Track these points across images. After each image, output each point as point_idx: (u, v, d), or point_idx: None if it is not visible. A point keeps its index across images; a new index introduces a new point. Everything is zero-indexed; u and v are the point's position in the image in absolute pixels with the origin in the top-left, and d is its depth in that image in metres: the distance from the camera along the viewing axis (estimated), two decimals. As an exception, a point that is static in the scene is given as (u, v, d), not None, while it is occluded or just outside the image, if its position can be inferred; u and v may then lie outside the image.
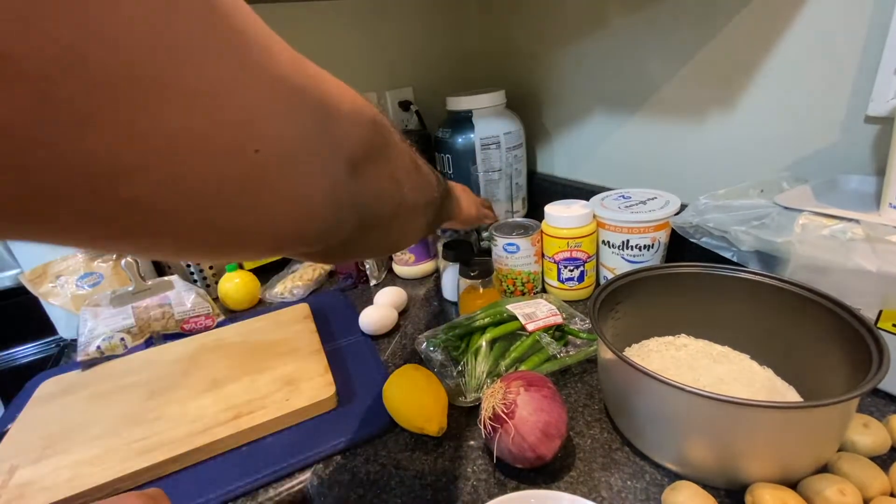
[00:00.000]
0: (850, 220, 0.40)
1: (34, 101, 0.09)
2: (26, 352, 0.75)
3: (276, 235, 0.18)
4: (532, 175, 0.92)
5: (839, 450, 0.35)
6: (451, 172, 0.84)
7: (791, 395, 0.41)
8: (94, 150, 0.10)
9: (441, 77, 1.01)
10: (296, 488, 0.41)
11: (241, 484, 0.40)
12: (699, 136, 0.64)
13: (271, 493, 0.40)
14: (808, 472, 0.33)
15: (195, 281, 0.75)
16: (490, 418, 0.38)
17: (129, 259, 0.64)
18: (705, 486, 0.34)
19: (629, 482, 0.37)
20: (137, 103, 0.11)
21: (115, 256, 0.67)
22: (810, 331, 0.40)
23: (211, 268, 0.76)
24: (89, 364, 0.58)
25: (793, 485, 0.33)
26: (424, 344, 0.53)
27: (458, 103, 0.79)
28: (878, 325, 0.39)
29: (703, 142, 0.63)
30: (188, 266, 0.74)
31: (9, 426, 0.50)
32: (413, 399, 0.44)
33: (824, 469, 0.34)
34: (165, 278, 0.67)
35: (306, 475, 0.41)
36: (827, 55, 0.49)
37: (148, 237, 0.14)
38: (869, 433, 0.35)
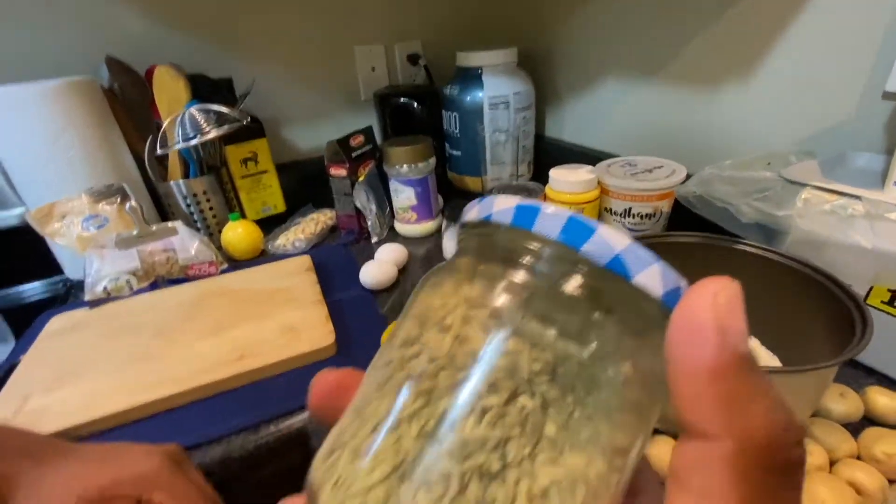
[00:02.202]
0: (852, 196, 0.40)
1: None
2: (33, 290, 0.77)
3: None
4: (539, 139, 0.91)
5: (814, 415, 0.37)
6: (457, 132, 0.83)
7: (773, 363, 0.42)
8: None
9: (452, 31, 0.98)
10: (295, 426, 0.43)
11: (244, 419, 0.43)
12: (712, 106, 0.62)
13: (272, 429, 0.42)
14: (781, 434, 0.35)
15: (198, 229, 0.75)
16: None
17: (133, 203, 0.65)
18: (682, 442, 0.36)
19: (611, 435, 0.39)
20: None
21: (119, 199, 0.67)
22: (800, 303, 0.41)
23: (214, 216, 0.76)
24: (96, 303, 0.60)
25: (765, 444, 0.34)
26: (423, 299, 0.54)
27: (469, 59, 0.77)
28: (867, 301, 0.40)
29: (716, 112, 0.62)
30: (191, 213, 0.74)
31: (20, 357, 0.52)
32: (410, 350, 0.45)
33: (797, 432, 0.36)
34: (169, 224, 0.68)
35: (306, 414, 0.44)
36: (851, 27, 0.47)
37: None
38: (844, 402, 0.37)
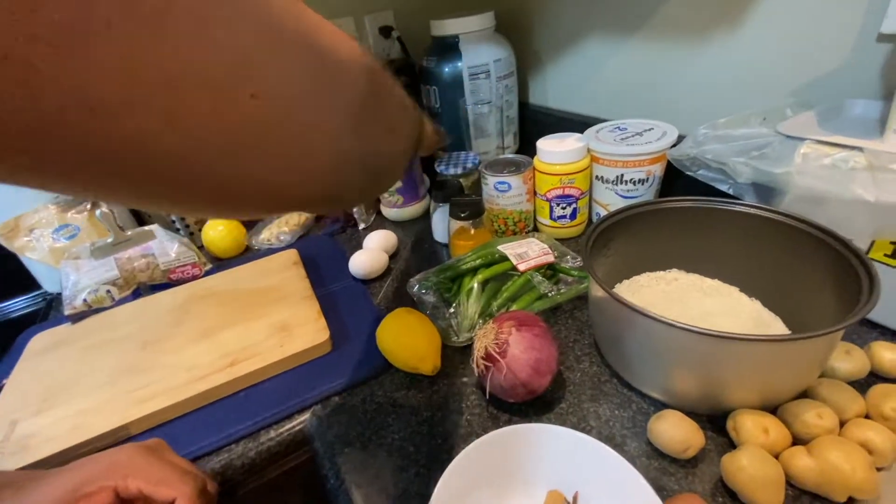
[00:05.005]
0: (853, 148, 0.38)
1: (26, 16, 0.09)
2: (13, 307, 0.74)
3: (278, 195, 0.18)
4: (524, 107, 0.88)
5: (820, 375, 0.36)
6: (438, 106, 0.79)
7: (777, 325, 0.41)
8: (88, 82, 0.10)
9: (424, -2, 0.93)
10: (296, 428, 0.42)
11: (242, 427, 0.41)
12: (701, 60, 0.60)
13: (272, 433, 0.41)
14: (789, 398, 0.34)
15: (178, 230, 0.73)
16: (483, 358, 0.38)
17: (104, 209, 0.61)
18: (689, 414, 0.35)
19: (617, 411, 0.39)
20: (133, 34, 0.11)
21: (89, 206, 0.64)
22: (800, 262, 0.40)
23: (192, 215, 0.73)
24: (78, 317, 0.58)
25: (773, 409, 0.34)
26: (416, 287, 0.52)
27: (444, 27, 0.73)
28: (869, 255, 0.39)
29: (706, 66, 0.59)
30: (168, 214, 0.71)
31: (4, 381, 0.50)
32: (407, 340, 0.44)
33: (804, 394, 0.35)
34: (146, 228, 0.65)
35: (305, 416, 0.43)
36: (846, -38, 0.44)
37: (146, 182, 0.14)
38: (850, 360, 0.36)
